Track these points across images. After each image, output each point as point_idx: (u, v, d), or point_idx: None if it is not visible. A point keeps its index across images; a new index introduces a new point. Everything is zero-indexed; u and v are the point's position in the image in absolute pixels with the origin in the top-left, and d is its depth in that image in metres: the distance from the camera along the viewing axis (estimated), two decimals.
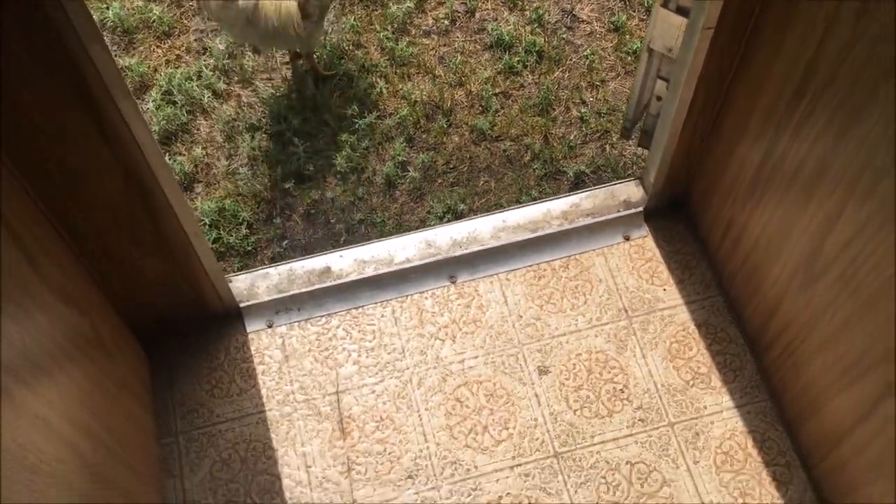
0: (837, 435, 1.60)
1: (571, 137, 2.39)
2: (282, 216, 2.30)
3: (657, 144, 1.88)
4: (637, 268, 1.98)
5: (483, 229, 2.02)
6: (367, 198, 2.32)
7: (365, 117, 2.42)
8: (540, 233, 2.01)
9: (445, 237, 2.02)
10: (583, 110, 2.43)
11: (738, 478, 1.75)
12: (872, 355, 1.42)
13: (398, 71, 2.53)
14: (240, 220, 2.28)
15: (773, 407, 1.81)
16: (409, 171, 2.35)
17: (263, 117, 2.46)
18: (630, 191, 2.05)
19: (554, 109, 2.45)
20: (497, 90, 2.49)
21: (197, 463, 1.78)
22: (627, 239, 2.02)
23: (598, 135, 2.40)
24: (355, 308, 1.95)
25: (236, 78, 2.54)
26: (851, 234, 1.39)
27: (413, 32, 2.62)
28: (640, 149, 2.35)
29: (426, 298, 1.96)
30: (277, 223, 2.29)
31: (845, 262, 1.43)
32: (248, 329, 1.93)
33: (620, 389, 1.84)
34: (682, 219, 2.05)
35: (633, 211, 2.03)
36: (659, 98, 1.86)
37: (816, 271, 1.53)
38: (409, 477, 1.76)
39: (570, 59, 2.55)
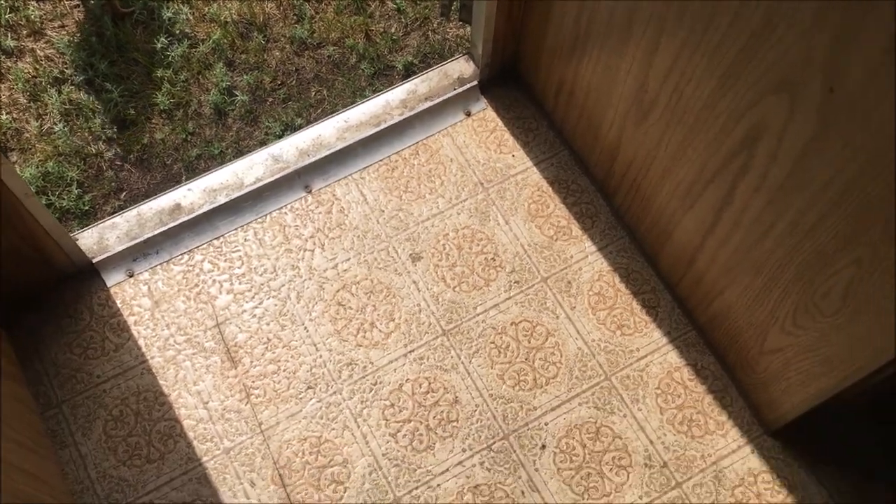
0: (690, 252, 1.73)
1: (393, 31, 2.38)
2: (113, 168, 2.18)
3: (477, 15, 1.90)
4: (483, 140, 2.03)
5: (327, 133, 2.00)
6: (199, 131, 2.23)
7: (176, 48, 2.30)
8: (383, 126, 2.01)
9: (291, 149, 1.98)
10: (398, 1, 2.41)
11: (612, 313, 1.88)
12: (707, 173, 1.54)
13: None
14: (68, 181, 2.14)
15: (631, 242, 1.94)
16: (236, 96, 2.27)
17: (66, 68, 2.29)
18: (462, 67, 2.08)
19: (370, 5, 2.41)
20: None
21: (88, 427, 1.71)
22: (468, 115, 2.06)
23: (419, 23, 2.40)
24: (216, 238, 1.90)
25: (25, 31, 2.33)
26: (669, 64, 1.48)
27: None
28: (462, 28, 2.38)
29: (286, 213, 1.94)
30: (110, 176, 2.17)
31: (669, 91, 1.52)
32: (109, 283, 1.84)
33: (492, 258, 1.91)
34: (516, 85, 2.10)
35: (468, 86, 2.06)
36: None
37: (645, 107, 1.62)
38: (309, 388, 1.78)
39: None
